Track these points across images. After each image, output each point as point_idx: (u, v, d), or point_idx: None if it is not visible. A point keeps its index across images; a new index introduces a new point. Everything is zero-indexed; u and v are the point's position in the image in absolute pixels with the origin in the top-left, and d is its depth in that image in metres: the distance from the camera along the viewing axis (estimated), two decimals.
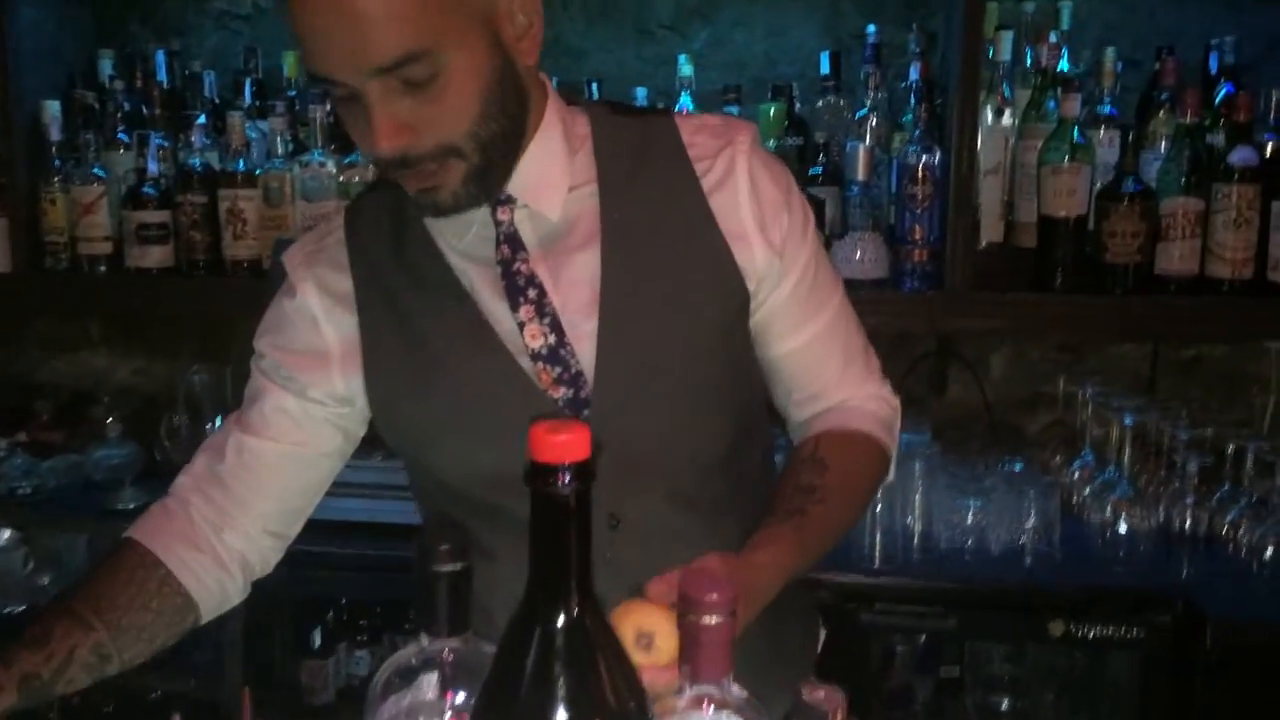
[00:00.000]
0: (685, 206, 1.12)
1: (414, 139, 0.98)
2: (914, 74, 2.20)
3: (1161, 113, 2.13)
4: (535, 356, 1.09)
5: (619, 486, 1.06)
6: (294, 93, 2.34)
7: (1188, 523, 2.05)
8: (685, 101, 2.31)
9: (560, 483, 0.61)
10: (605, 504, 1.08)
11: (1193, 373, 2.41)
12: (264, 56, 2.42)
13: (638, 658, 0.78)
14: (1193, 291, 2.08)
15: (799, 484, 1.12)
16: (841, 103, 2.28)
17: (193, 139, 2.26)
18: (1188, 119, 2.04)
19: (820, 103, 2.29)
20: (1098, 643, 1.89)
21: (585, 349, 1.09)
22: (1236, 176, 2.02)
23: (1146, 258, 2.08)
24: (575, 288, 1.10)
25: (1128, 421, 2.11)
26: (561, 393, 1.09)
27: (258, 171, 2.24)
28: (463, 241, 1.12)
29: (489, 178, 1.05)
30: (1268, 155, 2.06)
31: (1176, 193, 2.05)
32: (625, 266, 1.10)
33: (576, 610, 0.62)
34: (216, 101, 2.41)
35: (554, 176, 1.11)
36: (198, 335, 2.58)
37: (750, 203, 1.13)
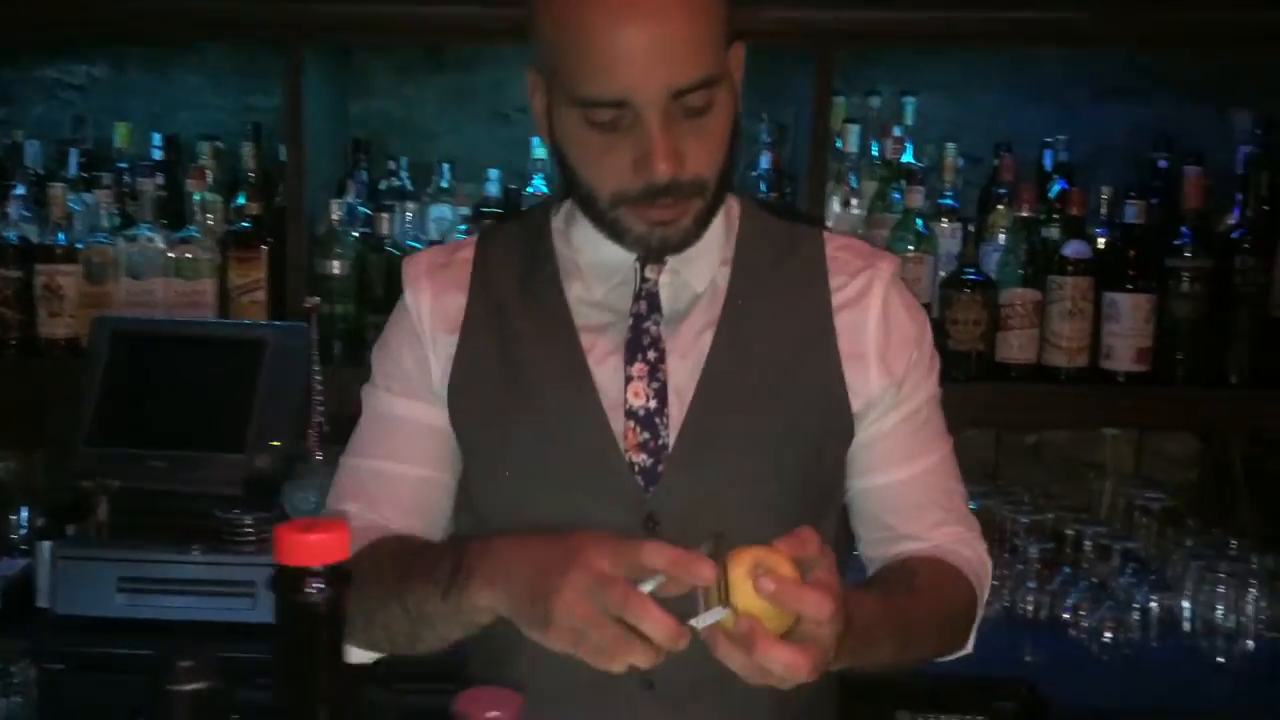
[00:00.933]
0: (809, 315, 1.13)
1: (681, 167, 1.01)
2: (765, 163, 2.23)
3: (1000, 206, 2.20)
4: (630, 414, 1.09)
5: None
6: (124, 164, 2.24)
7: (1030, 607, 2.06)
8: (539, 184, 2.29)
9: (310, 587, 0.54)
10: None
11: (1035, 459, 2.46)
12: (95, 126, 2.31)
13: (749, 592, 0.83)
14: (1032, 379, 2.12)
15: (884, 579, 1.10)
16: None
17: (9, 210, 2.12)
18: (1024, 213, 2.11)
19: None
20: None
21: (675, 427, 1.09)
22: (1070, 268, 2.09)
23: (989, 346, 2.13)
24: (686, 366, 1.11)
25: (971, 507, 2.11)
26: (640, 458, 1.09)
27: (79, 245, 2.12)
28: (601, 291, 1.14)
29: (708, 221, 1.09)
30: (1100, 248, 2.14)
31: (1015, 283, 2.11)
32: (731, 362, 1.10)
33: None
34: (40, 172, 2.28)
35: (709, 250, 1.13)
36: (5, 419, 2.39)
37: (878, 328, 1.13)
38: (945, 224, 2.17)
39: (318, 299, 2.09)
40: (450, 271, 1.17)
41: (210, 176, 2.21)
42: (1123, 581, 2.06)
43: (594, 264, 1.14)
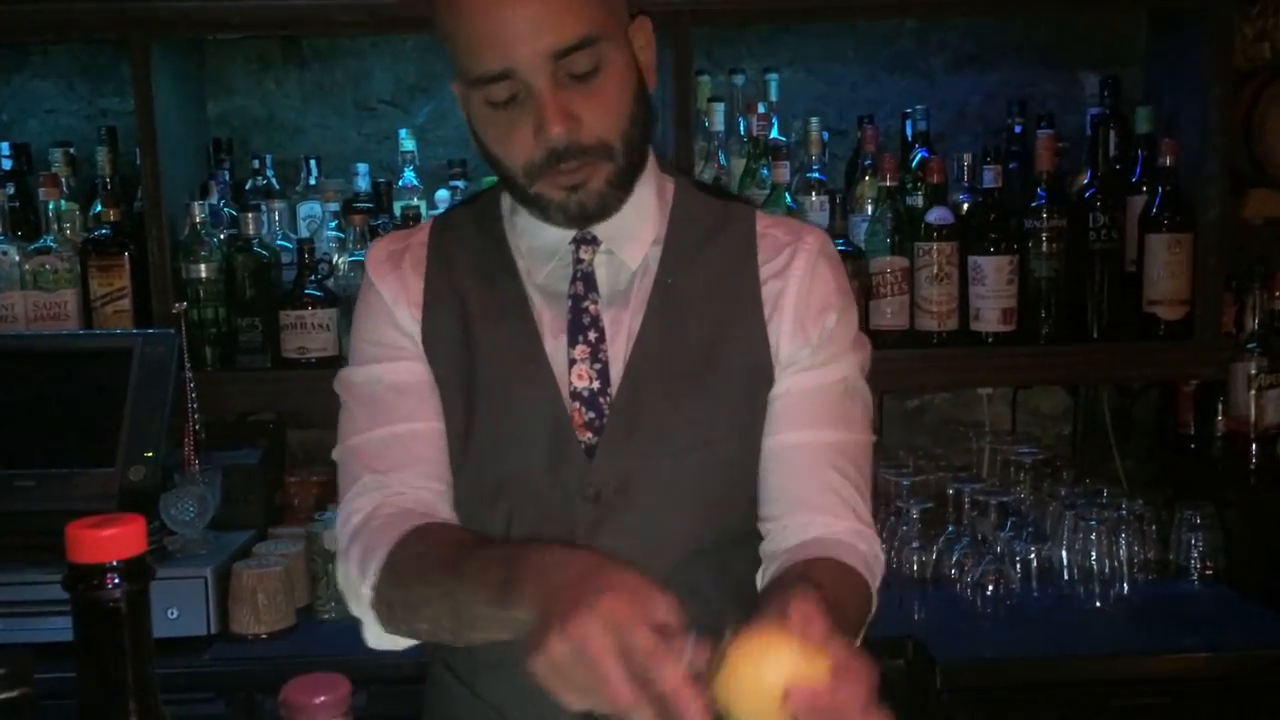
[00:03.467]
0: (738, 290, 1.16)
1: (578, 129, 1.04)
2: None
3: (866, 177, 2.24)
4: (576, 396, 1.13)
5: (604, 545, 1.08)
6: None
7: (914, 566, 2.11)
8: (409, 176, 2.26)
9: (107, 585, 0.53)
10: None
11: (916, 422, 2.52)
12: None
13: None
14: (905, 344, 2.17)
15: (798, 586, 1.03)
16: None
17: None
18: (888, 182, 2.15)
19: None
20: None
21: (614, 404, 1.12)
22: (935, 234, 2.14)
23: (862, 315, 2.16)
24: (621, 343, 1.14)
25: None
26: (588, 437, 1.12)
27: None
28: (541, 275, 1.16)
29: (628, 184, 1.11)
30: (963, 213, 2.20)
31: (883, 252, 2.16)
32: (662, 336, 1.13)
33: None
34: None
35: (641, 228, 1.16)
36: None
37: (798, 293, 1.15)
38: (814, 197, 2.20)
39: (184, 304, 2.04)
40: (408, 255, 1.20)
41: (65, 184, 2.14)
42: (1002, 536, 2.13)
43: (534, 248, 1.17)
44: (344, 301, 2.13)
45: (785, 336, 1.15)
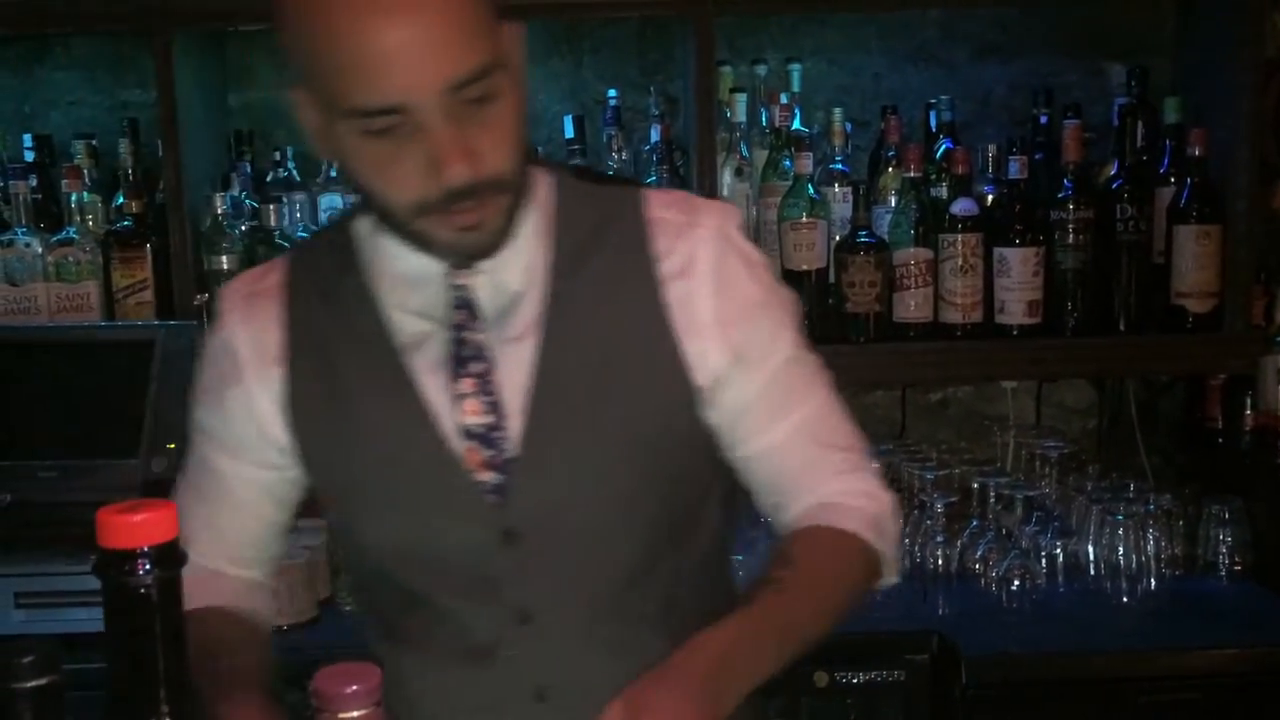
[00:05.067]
0: (636, 294, 1.05)
1: (479, 165, 0.93)
2: (655, 136, 2.22)
3: (890, 169, 2.22)
4: (469, 434, 1.03)
5: (532, 584, 1.04)
6: None
7: (939, 561, 2.09)
8: None
9: (138, 571, 0.52)
10: (513, 600, 1.05)
11: (941, 416, 2.50)
12: None
13: None
14: (930, 337, 2.16)
15: (762, 579, 1.04)
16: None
17: None
18: (912, 173, 2.13)
19: None
20: (863, 689, 1.89)
21: (516, 437, 1.03)
22: (959, 226, 2.12)
23: (885, 307, 2.15)
24: (515, 370, 1.03)
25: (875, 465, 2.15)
26: (489, 477, 1.03)
27: None
28: (416, 301, 1.05)
29: (516, 216, 1.01)
30: (988, 205, 2.18)
31: (907, 243, 2.14)
32: (562, 358, 1.04)
33: None
34: None
35: (522, 244, 1.04)
36: None
37: (711, 296, 1.06)
38: (836, 189, 2.19)
39: (207, 295, 2.04)
40: (263, 302, 1.09)
41: (87, 176, 2.14)
42: (1027, 530, 2.11)
43: (403, 274, 1.05)
44: None
45: (713, 354, 1.06)
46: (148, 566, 0.52)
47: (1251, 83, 2.10)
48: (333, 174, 2.27)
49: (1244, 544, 2.11)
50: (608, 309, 1.05)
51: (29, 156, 2.23)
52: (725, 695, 0.92)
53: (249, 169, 2.24)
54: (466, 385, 1.03)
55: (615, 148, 2.23)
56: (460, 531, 1.04)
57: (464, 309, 1.04)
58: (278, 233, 2.11)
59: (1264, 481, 2.21)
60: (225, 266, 2.09)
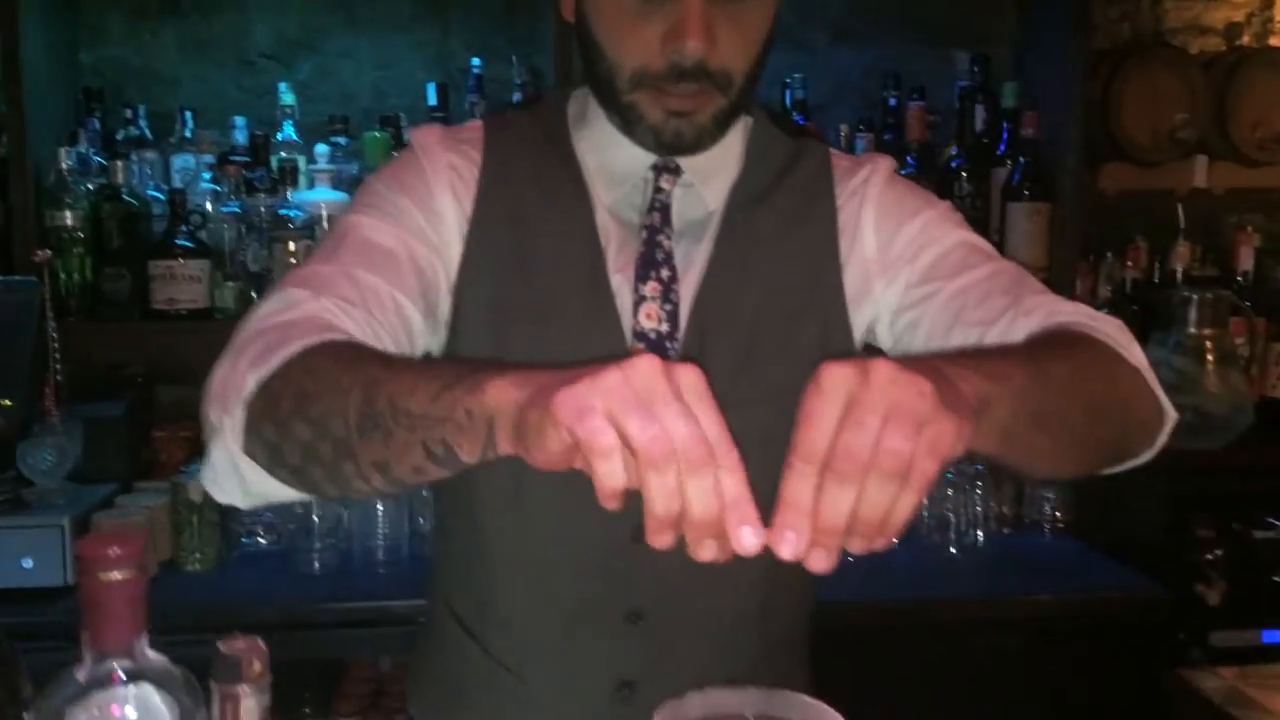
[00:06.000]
0: (813, 235, 1.05)
1: (713, 50, 0.93)
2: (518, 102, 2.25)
3: None
4: (641, 337, 0.99)
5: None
6: None
7: None
8: (288, 131, 2.25)
9: None
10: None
11: None
12: None
13: None
14: None
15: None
16: None
17: None
18: None
19: None
20: None
21: (680, 351, 1.00)
22: None
23: None
24: (688, 287, 1.02)
25: None
26: None
27: None
28: (609, 199, 1.04)
29: (729, 124, 1.01)
30: None
31: None
32: (734, 278, 1.02)
33: None
34: None
35: (726, 164, 1.06)
36: None
37: (879, 201, 1.05)
38: None
39: (48, 252, 2.00)
40: (464, 145, 1.05)
41: None
42: None
43: (605, 168, 1.04)
44: (216, 253, 2.11)
45: (879, 290, 1.03)
46: None
47: (1079, 70, 2.23)
48: (186, 134, 2.25)
49: (1065, 503, 2.23)
50: (783, 243, 1.04)
51: None
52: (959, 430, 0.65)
53: (98, 125, 2.19)
54: (650, 289, 1.01)
55: (477, 116, 2.24)
56: None
57: (659, 212, 1.03)
58: (126, 189, 2.08)
59: None
60: (69, 223, 2.05)
